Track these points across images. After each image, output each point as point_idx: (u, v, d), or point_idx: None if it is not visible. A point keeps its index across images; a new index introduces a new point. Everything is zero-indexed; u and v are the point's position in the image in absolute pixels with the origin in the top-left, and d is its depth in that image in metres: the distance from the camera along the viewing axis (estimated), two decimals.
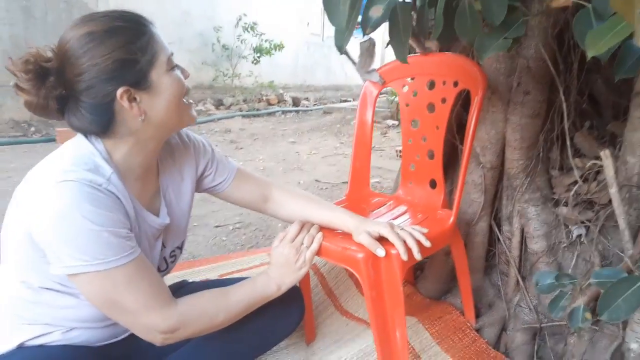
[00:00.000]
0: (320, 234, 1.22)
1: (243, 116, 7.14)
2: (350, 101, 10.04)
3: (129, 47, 0.88)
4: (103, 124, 0.92)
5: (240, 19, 7.68)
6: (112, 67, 0.87)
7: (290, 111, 8.08)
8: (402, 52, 1.04)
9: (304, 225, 1.24)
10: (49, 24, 5.55)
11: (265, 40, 7.92)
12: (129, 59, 0.88)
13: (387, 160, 4.52)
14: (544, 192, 1.48)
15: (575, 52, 1.39)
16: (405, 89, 1.54)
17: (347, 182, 3.67)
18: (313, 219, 1.26)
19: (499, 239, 1.61)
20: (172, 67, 0.96)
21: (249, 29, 7.75)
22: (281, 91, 8.65)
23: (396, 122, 6.61)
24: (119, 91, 0.88)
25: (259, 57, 7.87)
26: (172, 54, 0.98)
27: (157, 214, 1.09)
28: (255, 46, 7.86)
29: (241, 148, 5.05)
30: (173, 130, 1.09)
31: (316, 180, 3.77)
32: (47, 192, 0.84)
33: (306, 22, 9.95)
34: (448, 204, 1.48)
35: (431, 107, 1.47)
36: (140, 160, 1.00)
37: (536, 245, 1.47)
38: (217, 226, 2.64)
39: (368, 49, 1.52)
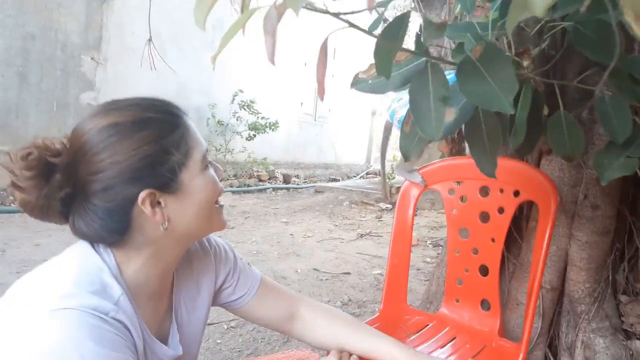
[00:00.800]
0: None
1: (233, 192, 6.96)
2: (339, 180, 9.99)
3: (160, 142, 0.73)
4: (117, 232, 0.74)
5: (236, 95, 7.71)
6: (138, 166, 0.71)
7: (281, 188, 7.95)
8: (488, 165, 0.88)
9: (341, 357, 1.02)
10: (43, 90, 5.44)
11: (262, 118, 7.92)
12: (158, 157, 0.72)
13: (388, 248, 4.31)
14: (613, 321, 1.28)
15: None
16: (452, 193, 1.38)
17: (348, 274, 3.44)
18: (351, 348, 1.03)
19: None
20: (206, 165, 0.79)
21: (245, 107, 7.76)
22: (272, 167, 8.57)
23: (390, 206, 6.49)
24: (142, 195, 0.71)
25: (254, 135, 7.83)
26: (207, 150, 0.81)
27: (165, 340, 0.87)
28: (250, 123, 7.85)
29: (232, 227, 4.80)
30: (198, 238, 0.93)
31: (314, 269, 3.52)
32: (38, 323, 0.64)
33: (300, 101, 10.11)
34: (503, 331, 1.27)
35: (484, 217, 1.30)
36: (156, 275, 0.81)
37: None
38: (209, 324, 2.35)
39: None
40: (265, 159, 8.26)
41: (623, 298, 1.30)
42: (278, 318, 1.06)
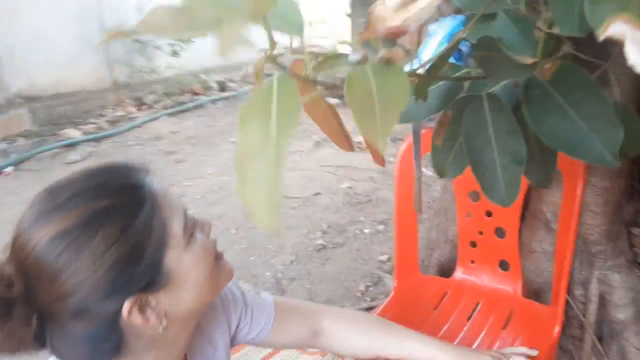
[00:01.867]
0: None
1: (170, 115, 6.49)
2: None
3: (126, 236, 0.56)
4: (109, 351, 0.61)
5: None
6: (108, 277, 0.56)
7: (220, 99, 7.50)
8: (541, 175, 0.75)
9: None
10: None
11: None
12: (130, 256, 0.57)
13: (349, 154, 4.23)
14: (627, 256, 1.28)
15: None
16: None
17: (318, 194, 3.35)
18: (388, 354, 0.97)
19: (567, 302, 1.41)
20: (190, 234, 0.64)
21: None
22: (204, 77, 7.98)
23: (339, 101, 6.31)
24: (126, 306, 0.57)
25: (177, 50, 7.12)
26: (185, 212, 0.64)
27: None
28: None
29: (181, 161, 4.52)
30: (207, 306, 0.78)
31: (284, 196, 3.43)
32: None
33: None
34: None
35: None
36: None
37: (622, 314, 1.28)
38: None
39: None
40: (198, 75, 7.64)
41: (635, 231, 1.29)
42: (301, 338, 0.97)
